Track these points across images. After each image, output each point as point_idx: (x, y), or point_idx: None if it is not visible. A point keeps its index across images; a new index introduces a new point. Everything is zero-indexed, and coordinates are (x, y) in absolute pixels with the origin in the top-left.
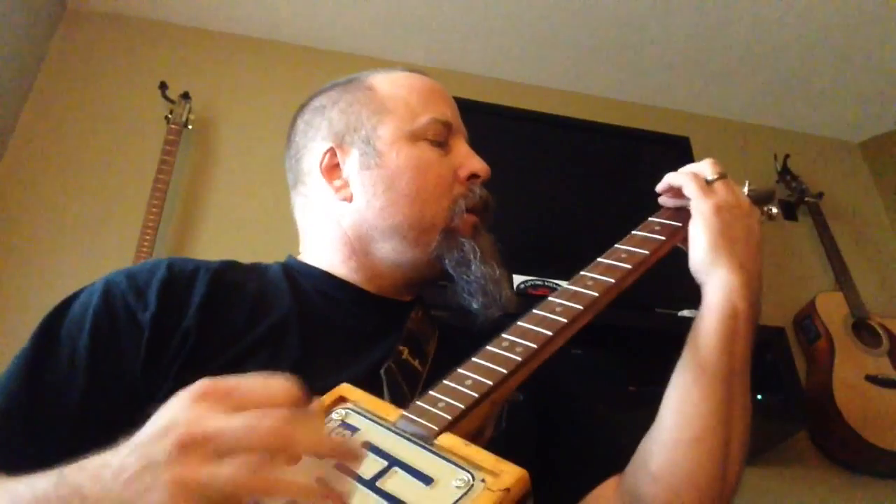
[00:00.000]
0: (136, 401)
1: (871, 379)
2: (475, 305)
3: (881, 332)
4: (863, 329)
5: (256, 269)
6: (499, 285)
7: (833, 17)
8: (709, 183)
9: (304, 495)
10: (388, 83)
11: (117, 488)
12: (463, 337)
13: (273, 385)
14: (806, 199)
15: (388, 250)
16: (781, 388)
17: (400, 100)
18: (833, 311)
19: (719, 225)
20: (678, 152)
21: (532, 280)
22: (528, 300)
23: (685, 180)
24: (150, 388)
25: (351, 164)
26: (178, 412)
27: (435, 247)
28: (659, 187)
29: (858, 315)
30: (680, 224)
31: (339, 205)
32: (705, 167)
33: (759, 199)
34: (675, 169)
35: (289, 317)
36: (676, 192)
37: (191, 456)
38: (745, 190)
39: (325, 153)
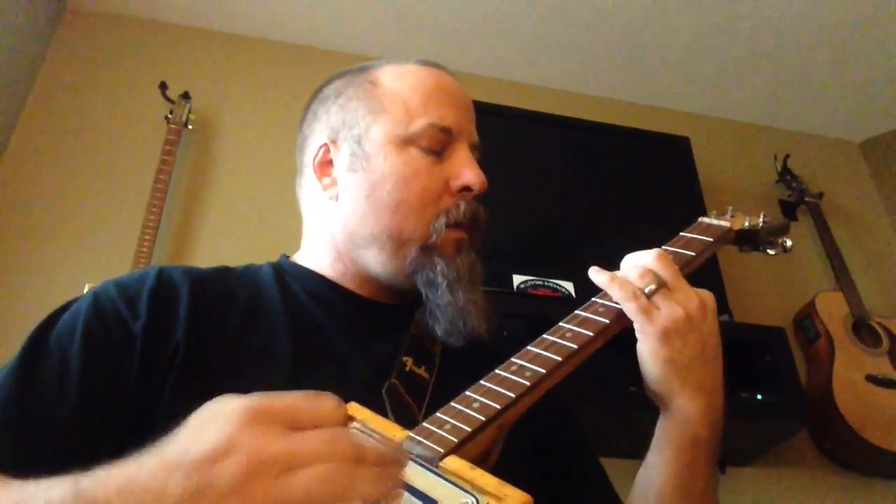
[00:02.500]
0: (130, 411)
1: (871, 379)
2: (438, 331)
3: (881, 332)
4: (863, 329)
5: (247, 275)
6: (462, 315)
7: (833, 17)
8: (649, 296)
9: (382, 488)
10: (393, 78)
11: None
12: (469, 341)
13: (323, 405)
14: (806, 199)
15: (370, 258)
16: (781, 388)
17: (399, 99)
18: (833, 311)
19: (669, 353)
20: (678, 152)
21: (532, 280)
22: (528, 300)
23: (623, 298)
24: (145, 398)
25: (341, 162)
26: (235, 432)
27: (410, 262)
28: (593, 275)
29: (858, 315)
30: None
31: (327, 203)
32: (635, 279)
33: (773, 231)
34: (675, 169)
35: (280, 326)
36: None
37: (262, 477)
38: (760, 222)
39: (320, 148)
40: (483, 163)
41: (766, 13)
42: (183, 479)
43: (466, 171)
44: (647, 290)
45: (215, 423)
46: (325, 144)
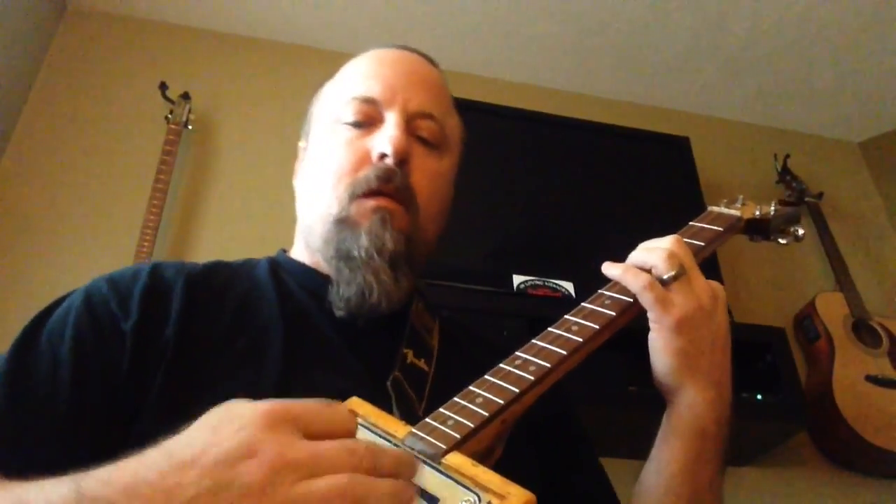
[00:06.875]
0: (120, 407)
1: (871, 379)
2: (337, 304)
3: (881, 332)
4: (863, 329)
5: (243, 270)
6: (362, 290)
7: (833, 17)
8: (665, 283)
9: (396, 502)
10: (344, 70)
11: None
12: (462, 332)
13: (338, 413)
14: (806, 199)
15: (317, 244)
16: (781, 388)
17: (338, 85)
18: (833, 311)
19: (682, 344)
20: (678, 152)
21: (532, 280)
22: (528, 300)
23: (639, 288)
24: (135, 395)
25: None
26: (257, 434)
27: (331, 239)
28: (606, 270)
29: (858, 315)
30: (632, 300)
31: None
32: (659, 262)
33: (785, 220)
34: (675, 169)
35: (274, 323)
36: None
37: (282, 482)
38: (772, 210)
39: (300, 149)
40: (482, 162)
41: (766, 14)
42: (198, 478)
43: (380, 138)
44: (666, 277)
45: (233, 425)
46: (301, 146)
